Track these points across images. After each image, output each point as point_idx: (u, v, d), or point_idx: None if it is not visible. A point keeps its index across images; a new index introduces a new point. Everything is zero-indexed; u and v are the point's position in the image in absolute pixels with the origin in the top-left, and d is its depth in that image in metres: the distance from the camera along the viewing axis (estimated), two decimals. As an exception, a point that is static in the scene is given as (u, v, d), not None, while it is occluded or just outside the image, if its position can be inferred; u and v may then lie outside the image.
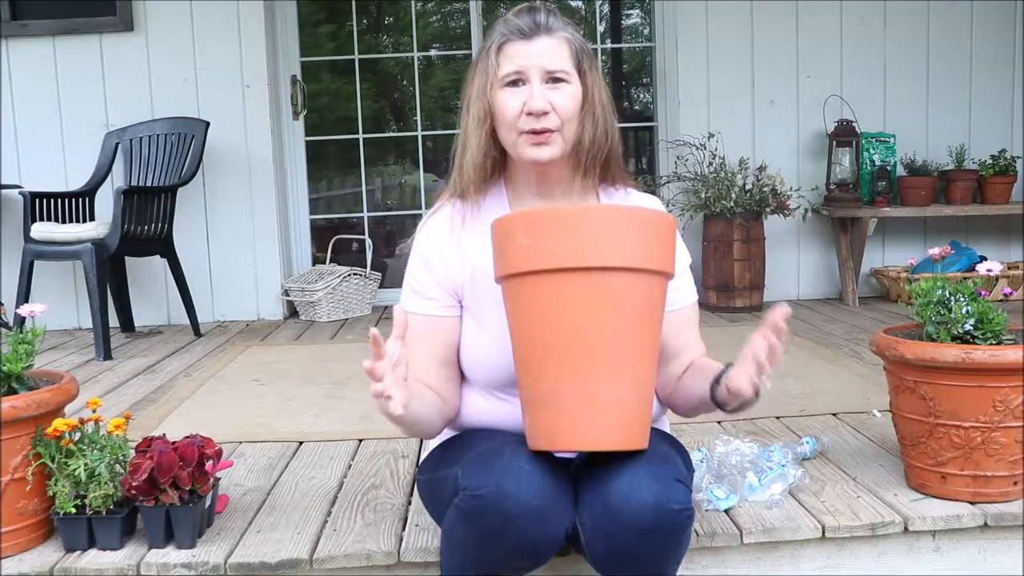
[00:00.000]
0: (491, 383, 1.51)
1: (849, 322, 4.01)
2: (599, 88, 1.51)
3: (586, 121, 1.49)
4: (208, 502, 1.75)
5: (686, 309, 1.58)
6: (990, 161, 4.54)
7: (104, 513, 1.67)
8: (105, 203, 4.08)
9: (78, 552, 1.68)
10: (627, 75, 5.48)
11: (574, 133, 1.49)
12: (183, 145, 4.20)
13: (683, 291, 1.57)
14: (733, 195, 4.28)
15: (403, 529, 1.76)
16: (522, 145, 1.47)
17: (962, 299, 1.76)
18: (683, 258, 1.56)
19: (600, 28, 5.21)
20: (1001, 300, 2.30)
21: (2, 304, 3.81)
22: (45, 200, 4.00)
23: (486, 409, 1.52)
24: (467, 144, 1.52)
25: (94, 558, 1.66)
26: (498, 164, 1.54)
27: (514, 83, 1.46)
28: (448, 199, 1.57)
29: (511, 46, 1.46)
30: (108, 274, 3.87)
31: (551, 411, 1.30)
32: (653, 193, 2.06)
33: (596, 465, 1.35)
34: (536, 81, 1.45)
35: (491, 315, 1.47)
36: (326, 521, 1.82)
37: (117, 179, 4.31)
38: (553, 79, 1.45)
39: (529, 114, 1.44)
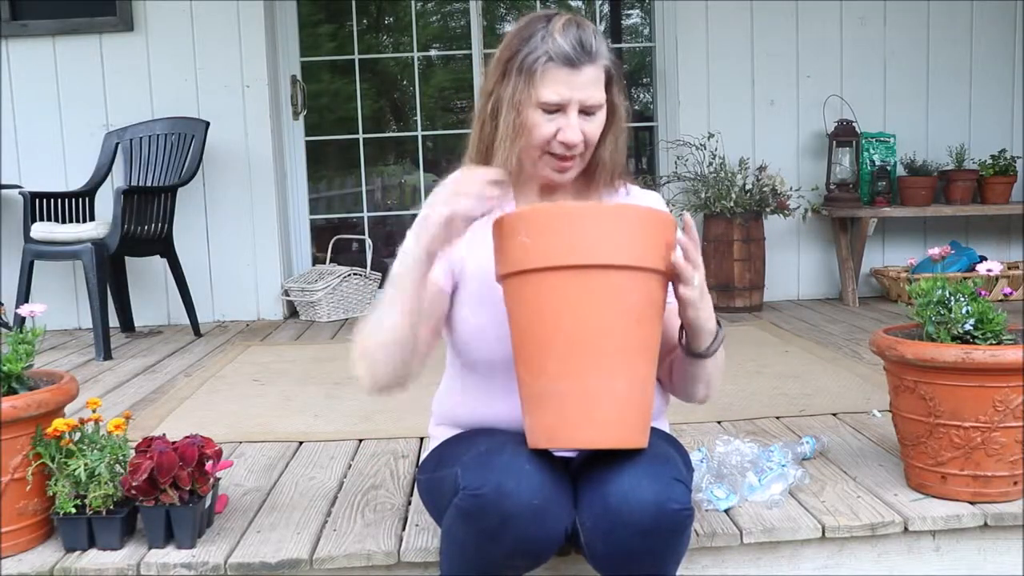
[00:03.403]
0: (494, 365, 1.49)
1: (849, 322, 4.01)
2: (622, 102, 1.52)
3: (608, 139, 1.51)
4: (208, 502, 1.75)
5: None
6: (990, 161, 4.54)
7: (104, 513, 1.67)
8: (105, 203, 4.08)
9: (78, 552, 1.68)
10: (627, 75, 5.48)
11: (592, 152, 1.50)
12: (183, 145, 4.20)
13: None
14: (733, 195, 4.28)
15: (403, 529, 1.76)
16: (544, 166, 1.49)
17: (962, 299, 1.76)
18: None
19: (600, 28, 5.21)
20: (1001, 300, 2.31)
21: (2, 304, 3.81)
22: (45, 200, 4.00)
23: (489, 395, 1.51)
24: (493, 153, 1.49)
25: (94, 558, 1.66)
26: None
27: (551, 109, 1.44)
28: None
29: (557, 72, 1.42)
30: (108, 274, 3.87)
31: (551, 409, 1.30)
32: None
33: (596, 464, 1.35)
34: (574, 114, 1.44)
35: (482, 304, 1.48)
36: (326, 521, 1.82)
37: (117, 179, 4.31)
38: (588, 113, 1.46)
39: (562, 142, 1.45)
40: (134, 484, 1.63)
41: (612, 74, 1.47)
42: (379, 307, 1.40)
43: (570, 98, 1.43)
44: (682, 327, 1.46)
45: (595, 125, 1.47)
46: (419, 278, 1.37)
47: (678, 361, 1.53)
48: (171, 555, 1.65)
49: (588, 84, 1.43)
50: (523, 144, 1.47)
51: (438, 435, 1.61)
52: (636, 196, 1.61)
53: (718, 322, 1.47)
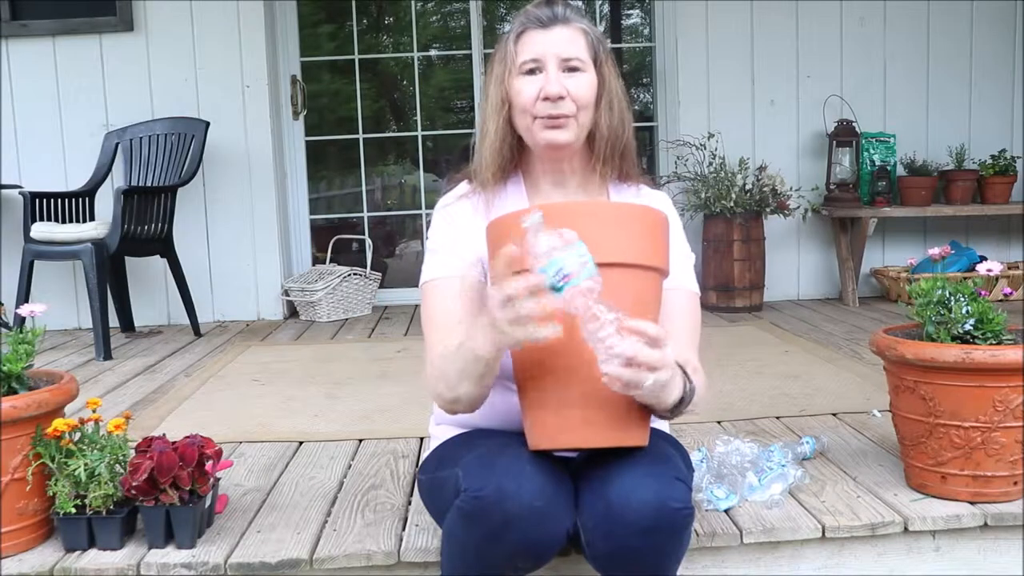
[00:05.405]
0: (504, 372, 1.46)
1: (849, 322, 4.01)
2: (615, 79, 1.53)
3: (603, 110, 1.51)
4: (208, 502, 1.75)
5: (673, 292, 1.47)
6: (990, 161, 4.54)
7: (104, 513, 1.67)
8: (105, 203, 4.08)
9: (78, 552, 1.68)
10: (627, 75, 5.48)
11: (590, 120, 1.51)
12: (183, 145, 4.20)
13: (673, 275, 1.43)
14: (733, 195, 4.28)
15: (403, 529, 1.76)
16: (537, 128, 1.49)
17: (962, 299, 1.76)
18: (681, 249, 1.55)
19: (600, 28, 5.21)
20: (1001, 300, 2.31)
21: (2, 304, 3.81)
22: (45, 200, 4.00)
23: (496, 399, 1.49)
24: (485, 131, 1.54)
25: (94, 558, 1.66)
26: (516, 153, 1.55)
27: (532, 72, 1.48)
28: (469, 191, 1.57)
29: (529, 34, 1.50)
30: (108, 274, 3.87)
31: (551, 410, 1.30)
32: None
33: (596, 465, 1.35)
34: (552, 68, 1.47)
35: None
36: (326, 521, 1.82)
37: (117, 179, 4.31)
38: (569, 68, 1.48)
39: (545, 99, 1.46)
40: (134, 484, 1.63)
41: (595, 42, 1.51)
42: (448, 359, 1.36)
43: (544, 53, 1.48)
44: None
45: (580, 83, 1.48)
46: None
47: None
48: (171, 555, 1.65)
49: (562, 40, 1.49)
50: (513, 113, 1.50)
51: (439, 434, 1.61)
52: (646, 196, 1.61)
53: (689, 381, 1.34)
